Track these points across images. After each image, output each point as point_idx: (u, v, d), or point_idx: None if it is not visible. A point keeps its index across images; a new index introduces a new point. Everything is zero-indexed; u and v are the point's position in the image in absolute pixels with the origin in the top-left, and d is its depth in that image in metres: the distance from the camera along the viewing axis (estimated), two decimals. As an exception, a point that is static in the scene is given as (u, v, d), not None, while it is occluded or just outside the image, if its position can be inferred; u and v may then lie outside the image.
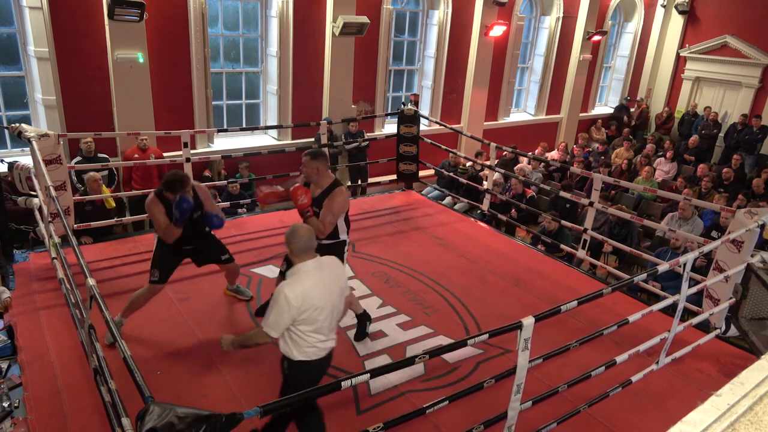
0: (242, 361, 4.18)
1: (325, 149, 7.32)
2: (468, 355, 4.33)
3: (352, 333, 4.58)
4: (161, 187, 4.08)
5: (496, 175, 7.94)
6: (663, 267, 3.66)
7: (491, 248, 6.41)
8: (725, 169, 9.63)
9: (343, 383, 2.56)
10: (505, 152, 9.36)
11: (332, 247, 4.20)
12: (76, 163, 6.96)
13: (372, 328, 4.64)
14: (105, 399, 3.13)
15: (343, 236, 4.25)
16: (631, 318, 3.73)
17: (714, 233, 6.67)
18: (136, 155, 7.31)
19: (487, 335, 3.00)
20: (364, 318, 4.54)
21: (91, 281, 3.15)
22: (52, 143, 5.20)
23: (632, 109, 13.63)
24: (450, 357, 4.28)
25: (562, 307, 3.17)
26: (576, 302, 3.22)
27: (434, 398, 3.23)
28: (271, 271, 5.54)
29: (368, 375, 2.67)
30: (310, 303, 2.90)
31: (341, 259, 4.27)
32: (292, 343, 3.00)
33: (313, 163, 4.05)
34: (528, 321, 2.95)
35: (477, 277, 5.70)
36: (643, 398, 3.99)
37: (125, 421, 2.44)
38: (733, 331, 4.63)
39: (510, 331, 2.98)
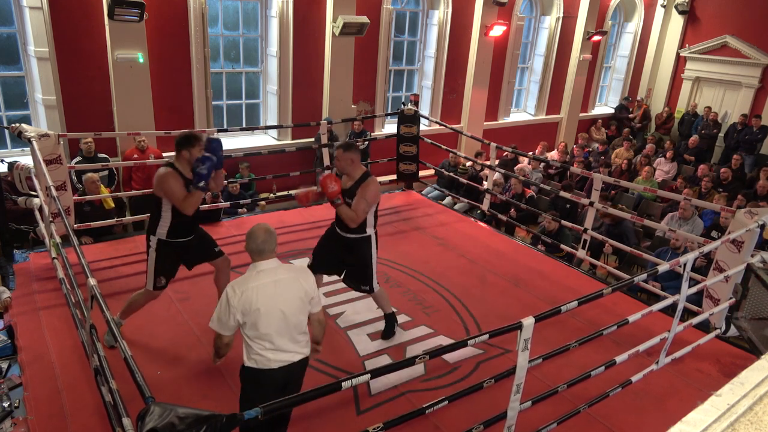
0: (242, 360, 4.18)
1: (325, 149, 7.35)
2: (468, 355, 4.33)
3: (352, 333, 4.59)
4: (178, 148, 3.97)
5: (497, 175, 7.93)
6: (663, 267, 3.66)
7: (491, 248, 6.41)
8: (723, 169, 9.63)
9: (343, 384, 2.55)
10: (506, 153, 9.37)
11: (358, 242, 4.18)
12: (76, 163, 6.96)
13: (372, 328, 4.65)
14: (105, 399, 3.13)
15: (369, 230, 4.20)
16: (631, 318, 3.74)
17: (714, 233, 6.67)
18: (135, 156, 7.31)
19: (487, 335, 3.00)
20: (391, 318, 4.54)
21: (92, 281, 3.15)
22: (53, 143, 5.21)
23: (631, 110, 13.63)
24: (450, 357, 4.28)
25: (562, 307, 3.17)
26: (576, 302, 3.22)
27: (434, 398, 3.23)
28: (271, 271, 5.53)
29: (368, 375, 2.67)
30: (249, 304, 2.77)
31: (369, 255, 4.23)
32: (245, 346, 2.91)
33: (347, 154, 4.06)
34: (528, 321, 2.95)
35: (477, 277, 5.70)
36: (643, 398, 3.99)
37: (126, 421, 2.44)
38: (733, 331, 4.63)
39: (510, 332, 2.98)
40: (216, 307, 2.88)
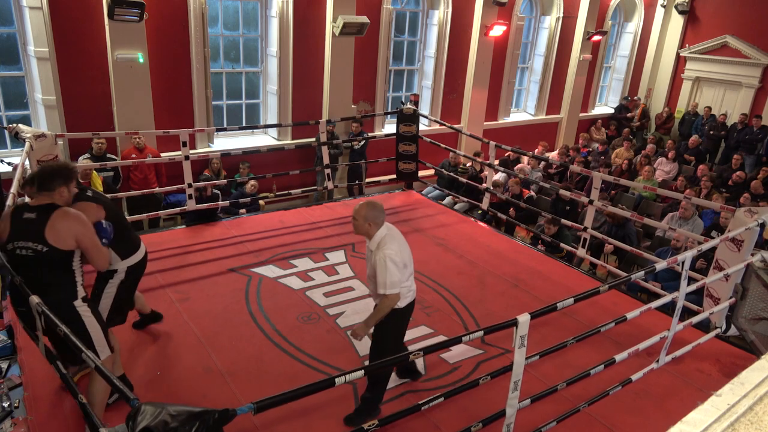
0: (242, 361, 4.18)
1: (325, 148, 7.35)
2: (468, 355, 4.33)
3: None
4: (54, 182, 3.03)
5: (497, 176, 7.92)
6: (661, 264, 3.66)
7: (491, 248, 6.40)
8: (738, 172, 9.64)
9: (337, 380, 2.54)
10: (508, 153, 9.38)
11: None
12: (82, 161, 6.96)
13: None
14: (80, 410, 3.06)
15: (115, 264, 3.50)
16: (629, 315, 3.73)
17: (714, 233, 6.66)
18: (133, 155, 7.30)
19: (482, 332, 3.00)
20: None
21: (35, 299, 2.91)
22: (49, 143, 5.18)
23: (630, 110, 13.62)
24: (450, 357, 4.28)
25: (558, 304, 3.17)
26: (572, 299, 3.22)
27: (434, 398, 3.23)
28: (271, 271, 5.54)
29: (362, 372, 2.65)
30: (403, 254, 3.41)
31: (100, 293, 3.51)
32: None
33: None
34: (524, 318, 2.95)
35: (477, 278, 5.69)
36: (643, 398, 3.99)
37: (103, 430, 2.42)
38: (733, 330, 4.62)
39: (506, 328, 2.98)
40: (385, 278, 3.29)
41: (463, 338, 3.03)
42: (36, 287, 2.94)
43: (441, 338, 4.58)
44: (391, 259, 3.31)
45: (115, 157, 7.32)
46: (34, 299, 2.85)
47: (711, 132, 11.96)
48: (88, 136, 6.84)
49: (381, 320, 3.44)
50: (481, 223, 7.25)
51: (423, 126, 9.74)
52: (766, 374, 1.49)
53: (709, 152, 11.68)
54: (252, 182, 7.76)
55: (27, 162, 4.81)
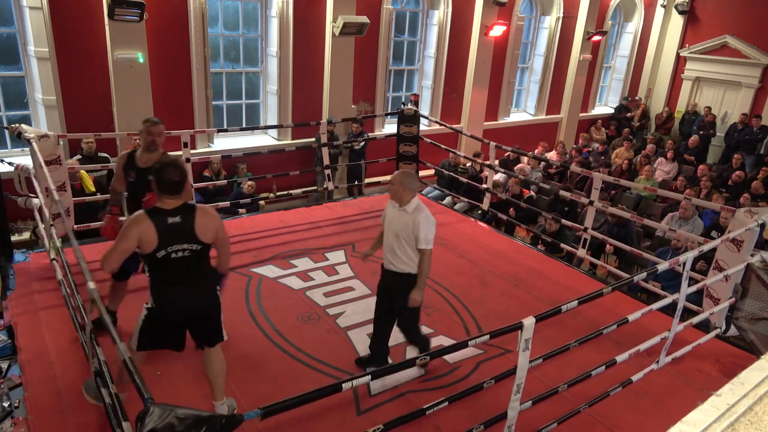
0: (242, 361, 4.18)
1: (325, 149, 7.35)
2: (468, 355, 4.33)
3: (352, 333, 4.59)
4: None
5: (497, 176, 7.92)
6: (662, 266, 3.66)
7: (491, 248, 6.40)
8: (738, 172, 9.63)
9: (343, 385, 2.55)
10: (507, 153, 9.38)
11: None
12: (76, 161, 6.96)
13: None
14: (106, 401, 3.13)
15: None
16: (631, 317, 3.73)
17: (714, 233, 6.66)
18: (134, 155, 7.30)
19: (488, 336, 3.00)
20: None
21: (91, 284, 3.13)
22: (52, 144, 5.18)
23: (630, 110, 13.63)
24: (450, 357, 4.28)
25: (562, 307, 3.17)
26: (576, 302, 3.22)
27: (435, 398, 3.23)
28: (271, 271, 5.54)
29: (369, 377, 2.67)
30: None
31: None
32: (413, 263, 3.78)
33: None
34: (529, 322, 2.95)
35: (477, 277, 5.70)
36: (643, 398, 3.99)
37: (126, 425, 2.44)
38: (733, 330, 4.63)
39: (511, 332, 2.98)
40: (426, 232, 3.70)
41: (469, 342, 3.03)
42: (194, 282, 3.24)
43: (441, 338, 4.59)
44: (430, 218, 3.76)
45: (108, 156, 7.32)
46: (90, 285, 3.03)
47: (700, 132, 11.97)
48: (91, 136, 6.85)
49: (403, 290, 3.82)
50: (481, 223, 7.25)
51: (423, 126, 9.75)
52: (766, 374, 1.49)
53: (699, 152, 11.67)
54: (249, 183, 7.77)
55: (41, 162, 4.78)
